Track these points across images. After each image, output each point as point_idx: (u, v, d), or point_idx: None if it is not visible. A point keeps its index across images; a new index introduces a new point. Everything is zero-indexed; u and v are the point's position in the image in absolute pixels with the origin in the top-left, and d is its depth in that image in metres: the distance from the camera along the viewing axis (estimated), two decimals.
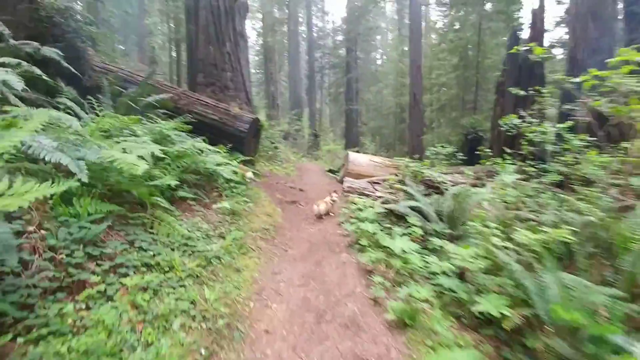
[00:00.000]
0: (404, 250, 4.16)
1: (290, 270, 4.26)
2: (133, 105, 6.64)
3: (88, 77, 7.14)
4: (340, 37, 31.57)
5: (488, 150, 9.23)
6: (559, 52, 22.04)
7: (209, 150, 6.77)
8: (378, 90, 30.21)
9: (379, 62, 35.96)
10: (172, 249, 3.62)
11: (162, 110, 7.56)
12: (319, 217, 6.62)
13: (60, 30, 6.75)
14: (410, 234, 4.79)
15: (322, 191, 9.53)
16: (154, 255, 3.33)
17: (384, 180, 10.32)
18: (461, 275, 3.72)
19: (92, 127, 4.45)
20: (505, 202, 5.05)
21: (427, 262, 4.00)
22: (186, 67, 19.96)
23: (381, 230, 4.99)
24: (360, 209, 6.28)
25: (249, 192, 6.98)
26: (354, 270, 4.28)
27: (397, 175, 10.11)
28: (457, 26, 22.98)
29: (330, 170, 14.61)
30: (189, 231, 4.12)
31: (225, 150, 7.85)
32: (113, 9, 19.38)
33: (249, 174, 8.52)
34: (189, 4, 17.02)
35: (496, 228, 3.75)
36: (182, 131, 6.59)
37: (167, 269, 3.28)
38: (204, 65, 15.06)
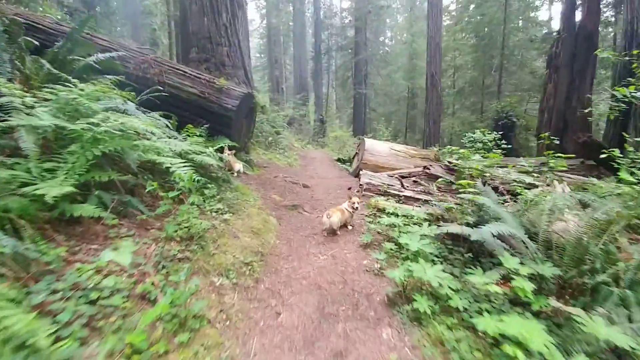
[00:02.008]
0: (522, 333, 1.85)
1: None
2: (53, 69, 4.19)
3: None
4: (348, 17, 28.65)
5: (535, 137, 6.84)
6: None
7: (167, 133, 4.43)
8: (388, 74, 27.43)
9: (389, 43, 32.97)
10: None
11: (110, 77, 5.16)
12: (332, 232, 4.28)
13: None
14: (515, 292, 2.43)
15: (332, 188, 7.16)
16: None
17: (410, 175, 7.93)
18: None
19: None
20: None
21: None
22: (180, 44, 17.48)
23: (451, 277, 2.64)
24: (395, 225, 3.93)
25: (233, 194, 4.65)
26: None
27: (428, 168, 7.70)
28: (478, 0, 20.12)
29: (339, 160, 12.22)
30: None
31: (200, 133, 5.49)
32: None
33: (238, 166, 6.18)
34: None
35: None
36: (151, 110, 4.23)
37: None
38: (198, 40, 12.67)
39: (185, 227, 3.03)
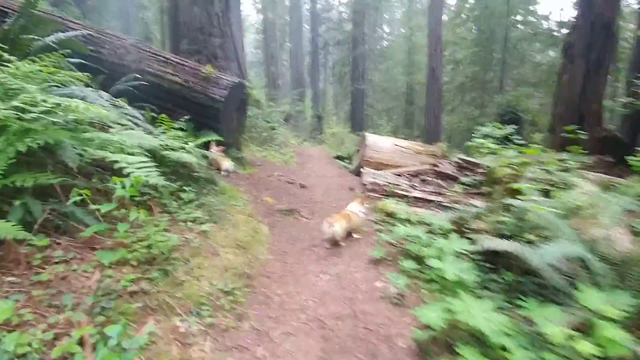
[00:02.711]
0: None
1: None
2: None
3: None
4: (346, 10, 27.78)
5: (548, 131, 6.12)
6: None
7: (142, 126, 3.67)
8: (386, 69, 26.60)
9: (387, 38, 32.08)
10: None
11: (75, 60, 4.35)
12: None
13: None
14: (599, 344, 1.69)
15: (332, 188, 6.41)
16: None
17: (418, 173, 7.18)
18: None
19: None
20: None
21: None
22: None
23: (507, 320, 1.90)
24: (415, 237, 3.17)
25: (218, 197, 3.88)
26: None
27: (436, 165, 6.95)
28: None
29: (338, 157, 11.44)
30: None
31: (181, 127, 4.71)
32: None
33: (227, 165, 5.41)
34: None
35: None
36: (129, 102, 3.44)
37: None
38: (188, 30, 11.78)
39: (144, 247, 2.26)
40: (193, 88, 5.73)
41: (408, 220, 3.79)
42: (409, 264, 2.83)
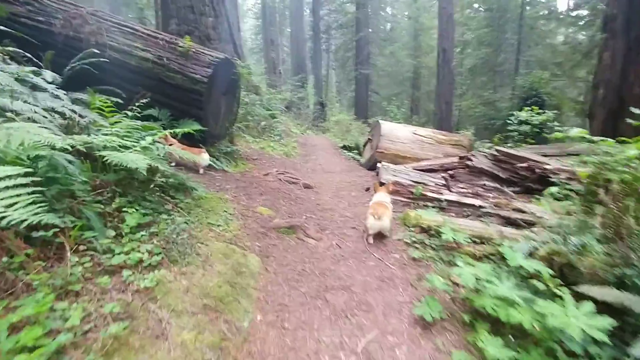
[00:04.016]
0: None
1: None
2: None
3: None
4: None
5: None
6: None
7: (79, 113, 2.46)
8: (392, 52, 24.92)
9: (392, 20, 30.15)
10: None
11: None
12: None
13: None
14: None
15: (343, 187, 5.18)
16: None
17: (444, 168, 5.90)
18: None
19: None
20: None
21: None
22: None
23: None
24: (486, 291, 1.95)
25: (187, 215, 2.67)
26: None
27: (469, 159, 5.67)
28: None
29: (345, 147, 10.17)
30: None
31: (134, 114, 3.47)
32: None
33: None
34: None
35: None
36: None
37: None
38: (178, 9, 10.40)
39: None
40: (168, 66, 4.47)
41: (471, 258, 2.56)
42: (492, 345, 1.62)
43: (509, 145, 6.40)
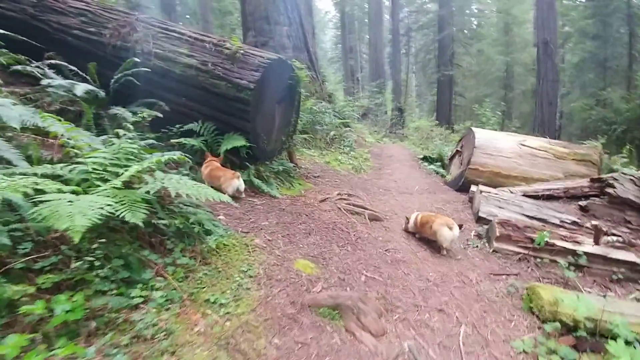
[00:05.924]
0: None
1: None
2: None
3: None
4: None
5: None
6: None
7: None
8: (479, 50, 21.90)
9: (479, 15, 26.73)
10: None
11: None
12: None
13: None
14: None
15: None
16: None
17: (568, 194, 4.07)
18: None
19: None
20: None
21: None
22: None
23: None
24: None
25: (185, 282, 1.72)
26: None
27: (610, 185, 3.78)
28: None
29: (425, 159, 8.56)
30: None
31: (187, 129, 2.68)
32: None
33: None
34: None
35: None
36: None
37: None
38: (254, 21, 10.27)
39: None
40: (212, 72, 3.71)
41: None
42: None
43: None
